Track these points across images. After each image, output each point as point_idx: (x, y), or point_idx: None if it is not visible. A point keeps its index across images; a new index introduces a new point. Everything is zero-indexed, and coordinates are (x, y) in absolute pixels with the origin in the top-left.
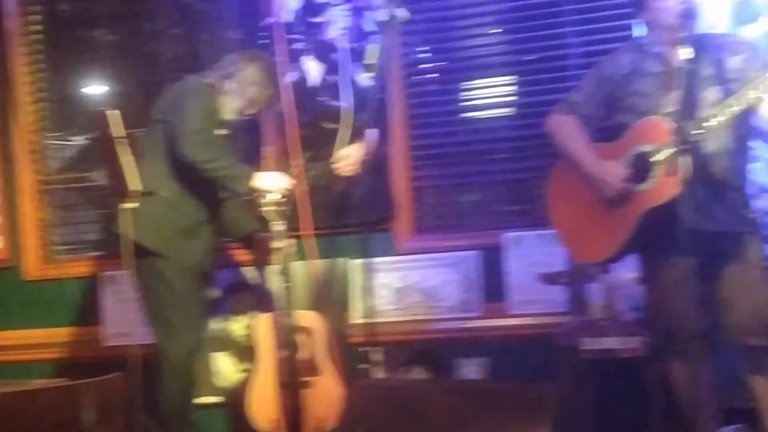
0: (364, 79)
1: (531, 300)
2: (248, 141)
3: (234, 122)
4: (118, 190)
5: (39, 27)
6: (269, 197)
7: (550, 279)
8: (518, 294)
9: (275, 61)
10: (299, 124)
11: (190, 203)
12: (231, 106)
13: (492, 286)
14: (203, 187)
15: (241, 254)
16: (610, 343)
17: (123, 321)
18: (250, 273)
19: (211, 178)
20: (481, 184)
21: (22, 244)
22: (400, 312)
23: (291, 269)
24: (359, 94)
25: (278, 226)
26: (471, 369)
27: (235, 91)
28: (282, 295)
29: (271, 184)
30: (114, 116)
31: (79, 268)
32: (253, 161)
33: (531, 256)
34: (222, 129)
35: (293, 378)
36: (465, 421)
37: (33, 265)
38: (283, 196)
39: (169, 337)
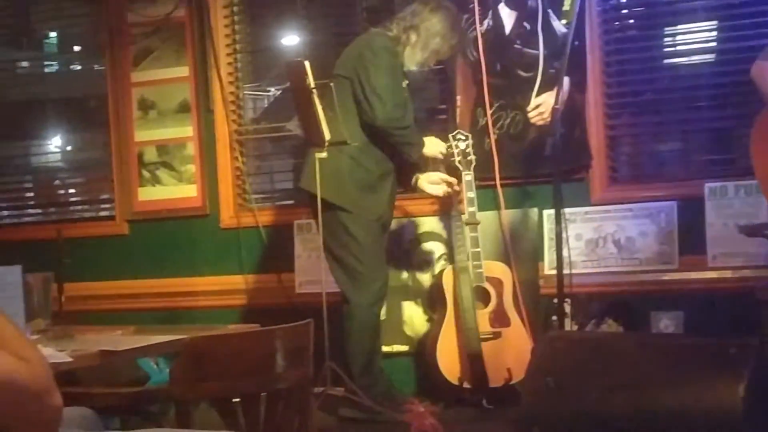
0: (560, 26)
1: (731, 253)
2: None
3: (417, 73)
4: (313, 139)
5: None
6: (459, 147)
7: (752, 231)
8: (717, 246)
9: (458, 10)
10: (493, 72)
11: (373, 157)
12: (414, 58)
13: (690, 238)
14: (386, 141)
15: (428, 205)
16: None
17: (313, 269)
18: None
19: (393, 142)
20: (680, 132)
21: (219, 192)
22: (593, 263)
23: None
24: (554, 41)
25: (467, 175)
26: (666, 323)
27: (419, 43)
28: (470, 246)
29: (433, 151)
30: (308, 67)
31: (273, 216)
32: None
33: (732, 207)
34: (404, 81)
35: (481, 329)
36: (658, 376)
37: (228, 214)
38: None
39: (355, 287)
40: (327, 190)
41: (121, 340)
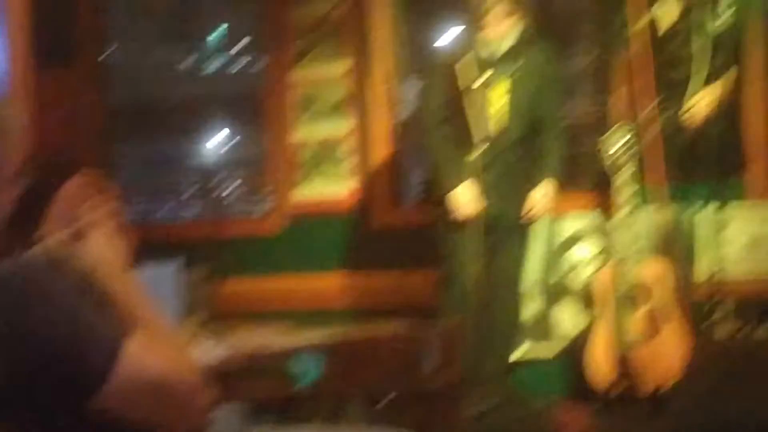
0: (721, 21)
1: None
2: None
3: None
4: (463, 140)
5: None
6: (619, 142)
7: None
8: None
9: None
10: (651, 68)
11: None
12: None
13: None
14: None
15: (584, 201)
16: None
17: None
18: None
19: None
20: None
21: (376, 189)
22: (752, 265)
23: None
24: (715, 37)
25: (626, 171)
26: None
27: None
28: (626, 245)
29: None
30: (461, 68)
31: (429, 213)
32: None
33: None
34: None
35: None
36: None
37: (384, 211)
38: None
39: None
40: None
41: (274, 337)
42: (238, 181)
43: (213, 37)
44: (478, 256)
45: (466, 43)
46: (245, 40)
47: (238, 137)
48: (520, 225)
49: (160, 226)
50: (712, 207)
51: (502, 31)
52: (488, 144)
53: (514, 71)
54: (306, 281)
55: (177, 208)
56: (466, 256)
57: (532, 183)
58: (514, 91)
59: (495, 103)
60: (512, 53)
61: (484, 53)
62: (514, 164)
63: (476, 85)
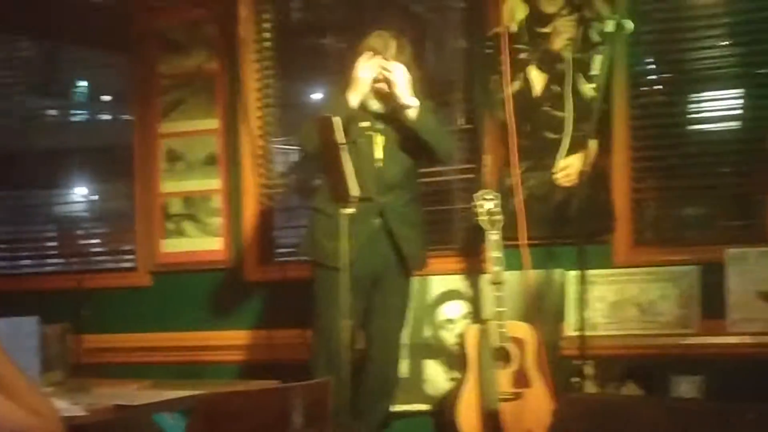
0: (588, 89)
1: (751, 318)
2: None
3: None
4: (339, 194)
5: (270, 34)
6: (485, 206)
7: None
8: (738, 312)
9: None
10: (521, 133)
11: None
12: None
13: (711, 302)
14: None
15: (453, 263)
16: None
17: None
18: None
19: None
20: (704, 198)
21: (245, 246)
22: (615, 326)
23: (504, 279)
24: (582, 105)
25: (493, 235)
26: (685, 387)
27: None
28: (494, 305)
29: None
30: (337, 122)
31: (298, 271)
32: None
33: (753, 273)
34: None
35: (502, 390)
36: None
37: (253, 267)
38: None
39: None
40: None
41: (137, 394)
42: (105, 233)
43: (80, 88)
44: (352, 312)
45: (341, 101)
46: (114, 92)
47: (106, 189)
48: (397, 281)
49: (21, 279)
50: (578, 269)
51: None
52: (364, 198)
53: (389, 127)
54: (173, 336)
55: (39, 260)
56: (338, 313)
57: (408, 238)
58: (388, 146)
59: (371, 158)
60: (389, 111)
61: (360, 110)
62: (390, 220)
63: (353, 140)
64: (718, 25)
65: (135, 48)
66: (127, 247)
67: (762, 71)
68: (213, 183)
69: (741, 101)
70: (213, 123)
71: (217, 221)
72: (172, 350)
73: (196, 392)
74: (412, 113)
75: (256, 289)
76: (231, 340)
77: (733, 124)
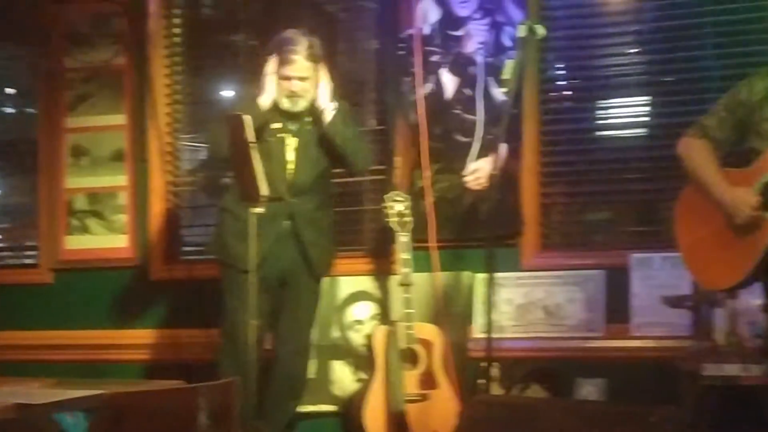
0: (499, 93)
1: (654, 322)
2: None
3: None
4: (248, 194)
5: (179, 30)
6: (395, 208)
7: (675, 302)
8: (641, 316)
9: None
10: (432, 136)
11: None
12: None
13: (615, 306)
14: None
15: (362, 264)
16: (732, 370)
17: None
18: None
19: None
20: (610, 203)
21: (151, 244)
22: (521, 328)
23: (413, 280)
24: (493, 108)
25: (403, 237)
26: (589, 389)
27: None
28: (403, 307)
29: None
30: (247, 121)
31: (205, 269)
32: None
33: (656, 278)
34: None
35: (408, 391)
36: None
37: (159, 266)
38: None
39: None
40: None
41: (38, 393)
42: (6, 228)
43: None
44: (260, 313)
45: (251, 100)
46: (19, 85)
47: (9, 183)
48: (306, 282)
49: None
50: (486, 272)
51: (296, 89)
52: (274, 199)
53: (303, 128)
54: (76, 334)
55: None
56: (245, 313)
57: (316, 244)
58: (301, 148)
59: (283, 160)
60: (304, 111)
61: (273, 110)
62: (299, 224)
63: (264, 140)
64: (627, 33)
65: (41, 41)
66: (29, 243)
67: (668, 79)
68: (119, 180)
69: (648, 108)
70: (120, 119)
71: (123, 218)
72: (75, 348)
73: (100, 391)
74: (327, 117)
75: (162, 287)
76: (136, 339)
77: (640, 131)
